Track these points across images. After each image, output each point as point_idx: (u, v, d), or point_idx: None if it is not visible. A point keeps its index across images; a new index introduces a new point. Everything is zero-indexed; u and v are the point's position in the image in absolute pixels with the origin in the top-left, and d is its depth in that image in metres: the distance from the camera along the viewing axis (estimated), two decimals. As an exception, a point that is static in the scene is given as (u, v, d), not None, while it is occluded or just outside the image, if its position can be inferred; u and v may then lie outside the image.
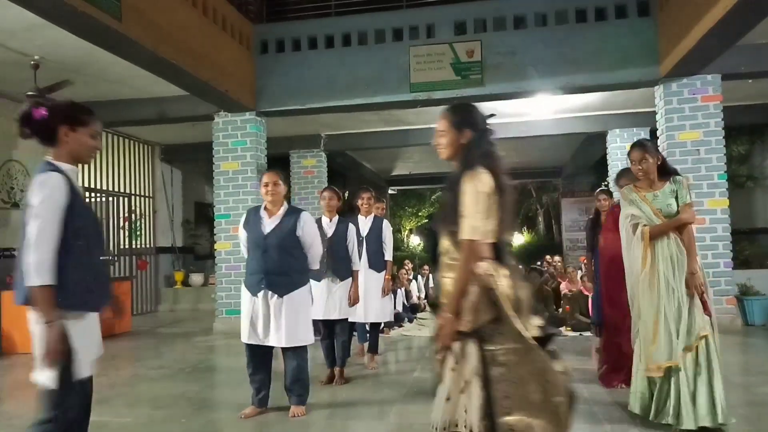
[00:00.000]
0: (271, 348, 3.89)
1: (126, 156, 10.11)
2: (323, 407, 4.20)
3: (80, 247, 2.24)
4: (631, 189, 3.55)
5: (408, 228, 22.13)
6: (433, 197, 23.02)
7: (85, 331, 2.26)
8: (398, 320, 8.10)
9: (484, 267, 2.07)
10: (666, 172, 3.49)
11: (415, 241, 23.06)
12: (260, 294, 3.77)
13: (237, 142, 7.96)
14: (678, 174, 3.52)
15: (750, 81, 7.46)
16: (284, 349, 3.85)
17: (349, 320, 5.01)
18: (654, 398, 3.36)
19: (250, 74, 7.70)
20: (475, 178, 2.12)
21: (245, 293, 3.87)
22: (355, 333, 5.73)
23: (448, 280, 2.13)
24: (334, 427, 3.76)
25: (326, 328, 4.82)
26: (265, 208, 3.90)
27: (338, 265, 4.78)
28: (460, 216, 2.09)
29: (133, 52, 5.65)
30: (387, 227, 5.56)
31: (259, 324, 3.77)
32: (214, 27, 6.83)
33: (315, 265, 4.04)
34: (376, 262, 5.37)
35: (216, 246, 7.97)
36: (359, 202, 5.55)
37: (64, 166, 2.32)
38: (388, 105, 7.91)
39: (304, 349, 3.91)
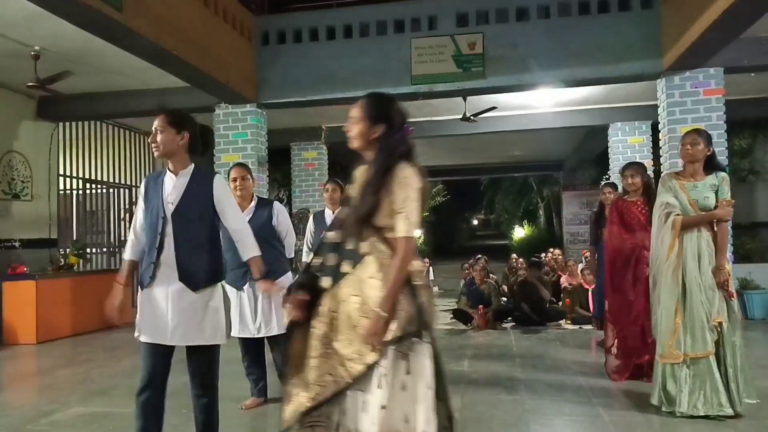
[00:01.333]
0: (264, 339, 3.94)
1: (127, 147, 10.08)
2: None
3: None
4: (672, 176, 3.55)
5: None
6: (434, 190, 23.01)
7: None
8: (399, 313, 8.11)
9: (417, 265, 2.03)
10: (712, 166, 3.50)
11: (416, 234, 23.06)
12: (245, 287, 3.83)
13: (238, 134, 7.94)
14: (723, 170, 3.53)
15: (753, 75, 7.42)
16: (275, 337, 3.87)
17: None
18: (668, 388, 3.39)
19: (252, 66, 7.67)
20: (407, 173, 2.04)
21: (230, 289, 3.91)
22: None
23: (375, 280, 1.99)
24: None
25: None
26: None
27: None
28: (394, 212, 2.01)
29: (134, 43, 5.62)
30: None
31: (249, 317, 3.83)
32: (215, 18, 6.80)
33: (290, 254, 4.03)
34: None
35: (217, 237, 7.97)
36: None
37: None
38: (389, 97, 7.88)
39: None
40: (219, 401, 2.86)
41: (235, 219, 2.86)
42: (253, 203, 3.98)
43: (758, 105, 9.37)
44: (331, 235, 2.15)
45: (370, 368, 1.94)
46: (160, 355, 2.76)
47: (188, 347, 2.78)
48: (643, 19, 6.77)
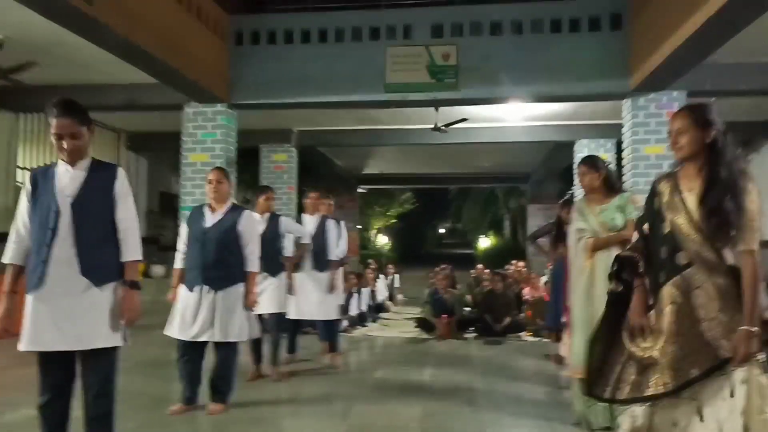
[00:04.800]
0: (204, 344, 3.87)
1: (91, 142, 9.85)
2: (285, 404, 4.19)
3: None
4: (583, 201, 3.67)
5: (376, 227, 22.15)
6: (402, 197, 23.13)
7: None
8: (362, 320, 8.10)
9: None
10: (611, 187, 3.58)
11: (383, 240, 23.12)
12: (196, 289, 3.80)
13: (207, 133, 7.83)
14: (623, 191, 3.63)
15: (713, 99, 7.69)
16: (216, 345, 3.85)
17: (287, 317, 5.06)
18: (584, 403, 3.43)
19: (224, 65, 7.59)
20: (753, 187, 2.07)
21: (183, 289, 3.89)
22: (317, 331, 5.74)
23: (711, 291, 2.04)
24: (293, 426, 3.75)
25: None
26: (209, 206, 3.97)
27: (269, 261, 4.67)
28: (743, 224, 2.03)
29: (104, 36, 5.50)
30: (332, 227, 5.50)
31: (192, 320, 3.78)
32: (188, 15, 6.71)
33: (252, 266, 3.96)
34: (319, 262, 5.33)
35: (181, 238, 7.83)
36: (307, 200, 5.56)
37: None
38: (362, 104, 7.91)
39: (235, 346, 3.93)
40: (143, 403, 2.74)
41: (126, 216, 2.67)
42: (226, 207, 3.96)
43: (718, 128, 9.69)
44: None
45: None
46: (61, 364, 2.58)
47: (85, 352, 2.57)
48: (612, 41, 6.96)
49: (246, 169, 11.16)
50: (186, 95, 7.54)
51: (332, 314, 5.43)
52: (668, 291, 2.13)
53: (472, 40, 7.22)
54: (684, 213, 2.13)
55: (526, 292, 8.39)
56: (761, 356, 2.00)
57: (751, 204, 2.05)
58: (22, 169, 8.60)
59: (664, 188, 2.23)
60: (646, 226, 2.30)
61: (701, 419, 2.02)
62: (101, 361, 2.60)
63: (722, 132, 2.15)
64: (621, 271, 2.32)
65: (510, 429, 3.65)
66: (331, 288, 5.33)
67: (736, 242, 2.04)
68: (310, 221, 5.47)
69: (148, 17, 5.82)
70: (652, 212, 2.26)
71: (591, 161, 3.64)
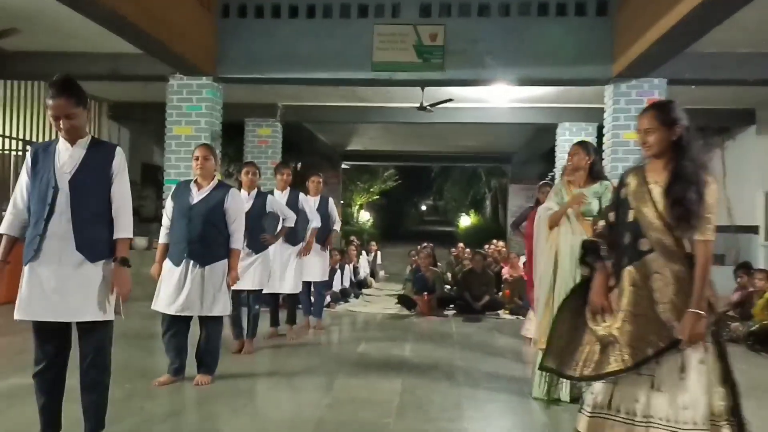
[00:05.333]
0: (189, 318, 3.98)
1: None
2: (269, 376, 4.32)
3: None
4: (563, 183, 3.82)
5: (359, 203, 22.22)
6: (385, 174, 23.17)
7: None
8: (345, 296, 8.24)
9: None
10: (596, 175, 3.75)
11: (365, 217, 23.21)
12: (182, 263, 3.88)
13: (192, 106, 7.79)
14: (606, 179, 3.78)
15: (693, 87, 7.86)
16: (201, 319, 3.97)
17: (264, 291, 5.21)
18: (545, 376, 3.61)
19: (210, 38, 7.51)
20: (713, 182, 2.22)
21: (167, 263, 3.96)
22: (300, 306, 5.87)
23: (669, 277, 2.21)
24: (278, 397, 3.87)
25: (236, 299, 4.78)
26: (195, 182, 4.03)
27: (254, 238, 4.85)
28: (703, 215, 2.17)
29: (89, 6, 5.39)
30: (304, 201, 5.69)
31: (178, 294, 3.87)
32: (175, -14, 6.61)
33: (236, 242, 4.05)
34: (291, 236, 5.46)
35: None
36: (277, 176, 5.73)
37: None
38: (349, 82, 7.91)
39: (220, 320, 4.07)
40: (129, 375, 2.82)
41: (120, 195, 2.73)
42: (212, 184, 4.03)
43: (697, 115, 9.86)
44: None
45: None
46: (55, 334, 2.67)
47: (80, 324, 2.68)
48: (597, 26, 7.04)
49: (230, 143, 11.12)
50: (171, 67, 7.47)
51: (298, 288, 5.58)
52: (629, 274, 2.29)
53: (459, 21, 7.25)
54: (650, 203, 2.27)
55: (505, 272, 8.59)
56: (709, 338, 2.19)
57: (710, 197, 2.20)
58: (2, 136, 8.48)
59: (632, 180, 2.37)
60: (612, 214, 2.45)
61: (659, 392, 2.20)
62: (95, 333, 2.70)
63: (687, 128, 2.28)
64: (586, 255, 2.47)
65: (486, 403, 3.82)
66: (304, 252, 5.54)
67: (694, 231, 2.19)
68: (279, 197, 5.55)
69: (133, -14, 5.73)
70: (619, 201, 2.41)
71: (584, 144, 3.85)
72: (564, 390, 3.65)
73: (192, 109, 7.79)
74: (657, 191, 2.28)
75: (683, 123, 2.28)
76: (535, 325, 3.89)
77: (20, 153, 8.89)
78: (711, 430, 2.13)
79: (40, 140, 9.02)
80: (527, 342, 5.62)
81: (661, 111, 2.32)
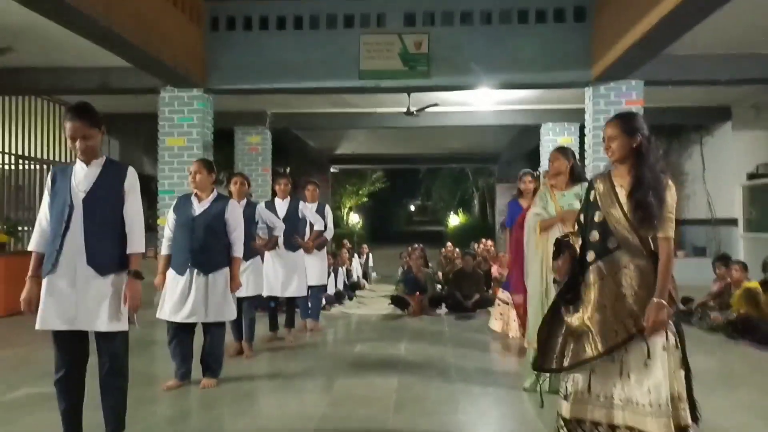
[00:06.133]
0: (194, 325, 4.19)
1: (62, 123, 9.81)
2: (271, 378, 4.50)
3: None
4: (547, 187, 4.05)
5: (348, 206, 22.38)
6: (374, 176, 23.36)
7: None
8: (339, 298, 8.42)
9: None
10: (576, 178, 3.99)
11: (355, 219, 23.36)
12: (186, 273, 4.07)
13: (183, 118, 7.94)
14: (586, 180, 4.01)
15: (669, 87, 8.14)
16: (205, 325, 4.17)
17: (269, 295, 5.50)
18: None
19: (199, 50, 7.67)
20: (671, 185, 2.45)
21: (171, 273, 4.15)
22: (298, 309, 6.06)
23: (634, 271, 2.44)
24: (281, 398, 4.05)
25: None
26: (196, 195, 4.24)
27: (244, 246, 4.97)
28: (663, 215, 2.40)
29: (80, 22, 5.49)
30: (304, 208, 5.94)
31: (183, 302, 4.06)
32: (164, 0, 6.76)
33: (237, 251, 4.24)
34: (290, 243, 5.69)
35: (159, 221, 7.97)
36: (276, 186, 5.97)
37: None
38: (337, 90, 8.10)
39: (223, 326, 4.28)
40: (137, 380, 2.98)
41: (132, 212, 2.90)
42: (212, 196, 4.24)
43: (673, 113, 10.24)
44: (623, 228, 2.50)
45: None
46: (73, 341, 2.83)
47: (97, 333, 2.84)
48: (576, 32, 7.30)
49: (220, 150, 11.24)
50: (162, 80, 7.62)
51: (302, 291, 5.81)
52: (597, 269, 2.53)
53: (443, 29, 7.47)
54: (617, 205, 2.52)
55: (494, 270, 8.81)
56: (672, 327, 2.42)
57: (670, 198, 2.44)
58: (1, 153, 8.56)
59: (600, 183, 2.62)
60: (581, 215, 2.71)
61: (628, 377, 2.43)
62: (111, 342, 2.87)
63: (647, 138, 2.52)
64: (559, 252, 2.71)
65: (479, 396, 4.02)
66: (309, 249, 5.88)
67: (657, 230, 2.42)
68: (281, 205, 5.81)
69: (124, 2, 5.86)
70: (589, 203, 2.65)
71: (563, 150, 4.09)
72: (545, 382, 3.88)
73: (183, 120, 7.95)
74: (622, 194, 2.52)
75: (643, 132, 2.52)
76: (528, 325, 4.09)
77: (12, 167, 8.98)
78: (673, 411, 2.35)
79: (32, 155, 9.10)
80: (494, 334, 5.87)
81: (624, 121, 2.57)
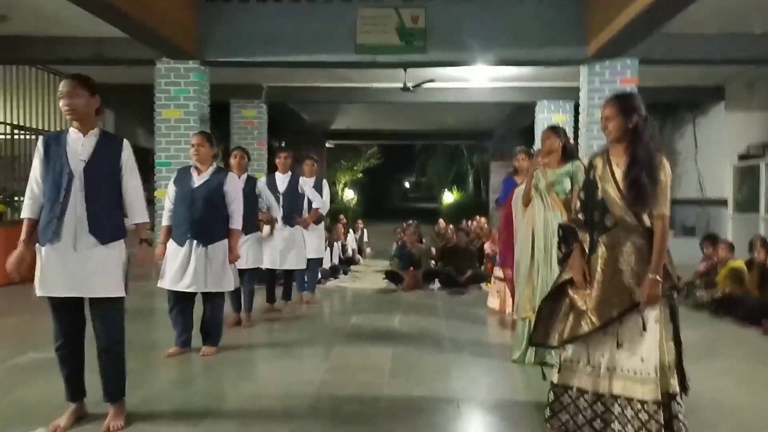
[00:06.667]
0: (194, 294, 4.29)
1: (56, 93, 9.76)
2: (270, 347, 4.62)
3: None
4: (541, 169, 4.14)
5: (343, 181, 22.40)
6: (368, 152, 23.34)
7: None
8: (334, 272, 8.54)
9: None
10: (568, 155, 4.08)
11: (350, 195, 23.40)
12: (186, 243, 4.16)
13: (179, 90, 7.93)
14: (578, 159, 4.11)
15: (664, 66, 8.19)
16: (205, 295, 4.27)
17: (266, 267, 5.63)
18: (525, 341, 4.02)
19: (195, 22, 7.62)
20: (665, 164, 2.53)
21: (171, 244, 4.24)
22: (294, 283, 6.17)
23: (630, 248, 2.54)
24: (280, 365, 4.18)
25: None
26: (195, 167, 4.31)
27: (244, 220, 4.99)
28: (657, 194, 2.48)
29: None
30: (304, 183, 6.05)
31: (183, 272, 4.15)
32: (159, -30, 6.69)
33: (236, 224, 4.32)
34: (289, 218, 5.81)
35: (156, 194, 8.01)
36: (277, 160, 6.04)
37: None
38: (333, 64, 8.08)
39: (222, 296, 4.39)
40: (138, 348, 3.07)
41: (133, 184, 2.99)
42: (211, 169, 4.30)
43: (667, 92, 10.31)
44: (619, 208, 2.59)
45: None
46: (71, 308, 2.90)
47: (93, 300, 2.90)
48: (572, 9, 7.31)
49: (215, 124, 11.21)
50: (157, 51, 7.59)
51: (301, 264, 5.94)
52: (599, 247, 2.63)
53: (440, 4, 7.45)
54: (613, 183, 2.60)
55: (487, 247, 8.93)
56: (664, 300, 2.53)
57: (664, 177, 2.51)
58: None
59: (598, 162, 2.69)
60: (582, 193, 2.78)
61: (623, 347, 2.54)
62: (108, 308, 2.94)
63: (643, 118, 2.58)
64: (565, 238, 2.80)
65: (470, 366, 4.16)
66: (305, 225, 5.97)
67: (651, 208, 2.51)
68: (282, 179, 5.88)
69: (119, -27, 5.81)
70: (589, 182, 2.73)
71: (555, 128, 4.17)
72: (532, 354, 4.04)
73: (180, 93, 7.94)
74: (618, 173, 2.60)
75: (640, 113, 2.59)
76: (516, 296, 4.23)
77: (10, 137, 8.96)
78: (661, 378, 2.47)
79: (25, 124, 9.07)
80: (491, 312, 6.04)
81: (621, 101, 2.63)
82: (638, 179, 2.50)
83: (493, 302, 6.14)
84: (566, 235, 2.79)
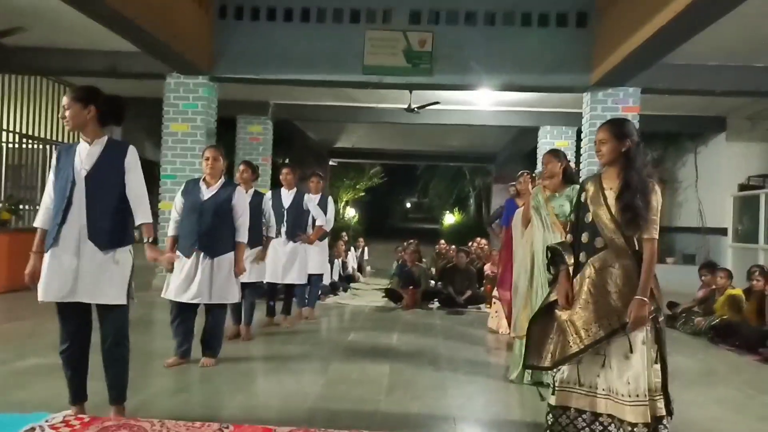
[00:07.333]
0: (197, 306, 4.33)
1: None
2: (268, 360, 4.65)
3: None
4: (541, 188, 4.20)
5: (345, 200, 22.50)
6: (371, 171, 23.49)
7: None
8: (334, 289, 8.58)
9: None
10: (568, 179, 4.14)
11: (351, 213, 23.49)
12: (192, 255, 4.21)
13: (188, 104, 8.06)
14: (578, 183, 4.17)
15: (667, 96, 8.31)
16: (207, 306, 4.32)
17: (267, 281, 5.68)
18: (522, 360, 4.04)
19: (207, 38, 7.78)
20: (657, 189, 2.61)
21: (178, 255, 4.28)
22: (295, 298, 6.21)
23: (619, 270, 2.59)
24: (278, 378, 4.21)
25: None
26: (204, 180, 4.37)
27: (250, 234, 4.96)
28: (648, 218, 2.54)
29: (88, 3, 5.56)
30: (309, 200, 6.11)
31: (189, 283, 4.19)
32: (174, -12, 6.85)
33: (242, 237, 4.38)
34: (293, 233, 5.88)
35: (160, 206, 8.10)
36: (280, 176, 6.12)
37: None
38: (340, 84, 8.23)
39: (225, 308, 4.44)
40: (138, 356, 3.11)
41: (136, 185, 2.99)
42: (220, 182, 4.37)
43: (669, 121, 10.44)
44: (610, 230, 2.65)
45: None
46: (76, 313, 2.94)
47: (99, 306, 2.95)
48: (577, 37, 7.46)
49: (221, 139, 11.35)
50: (169, 66, 7.73)
51: (302, 279, 6.00)
52: (587, 268, 2.67)
53: (447, 28, 7.61)
54: (604, 207, 2.65)
55: (487, 268, 8.97)
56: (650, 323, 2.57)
57: (655, 202, 2.58)
58: (5, 131, 8.65)
59: (590, 186, 2.75)
60: (573, 216, 2.84)
61: (610, 368, 2.60)
62: (111, 315, 2.99)
63: (636, 143, 2.66)
64: (554, 260, 2.86)
65: (466, 384, 4.19)
66: (311, 241, 6.03)
67: (642, 232, 2.57)
68: (287, 195, 5.96)
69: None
70: (580, 205, 2.79)
71: (555, 152, 4.24)
72: (528, 374, 4.07)
73: (188, 107, 8.07)
74: (611, 196, 2.66)
75: (633, 138, 2.66)
76: (514, 316, 4.28)
77: (18, 146, 9.08)
78: (649, 402, 2.51)
79: (37, 135, 9.20)
80: (489, 332, 6.08)
81: (614, 126, 2.71)
82: (632, 202, 2.56)
83: (492, 323, 6.19)
84: (554, 258, 2.84)
